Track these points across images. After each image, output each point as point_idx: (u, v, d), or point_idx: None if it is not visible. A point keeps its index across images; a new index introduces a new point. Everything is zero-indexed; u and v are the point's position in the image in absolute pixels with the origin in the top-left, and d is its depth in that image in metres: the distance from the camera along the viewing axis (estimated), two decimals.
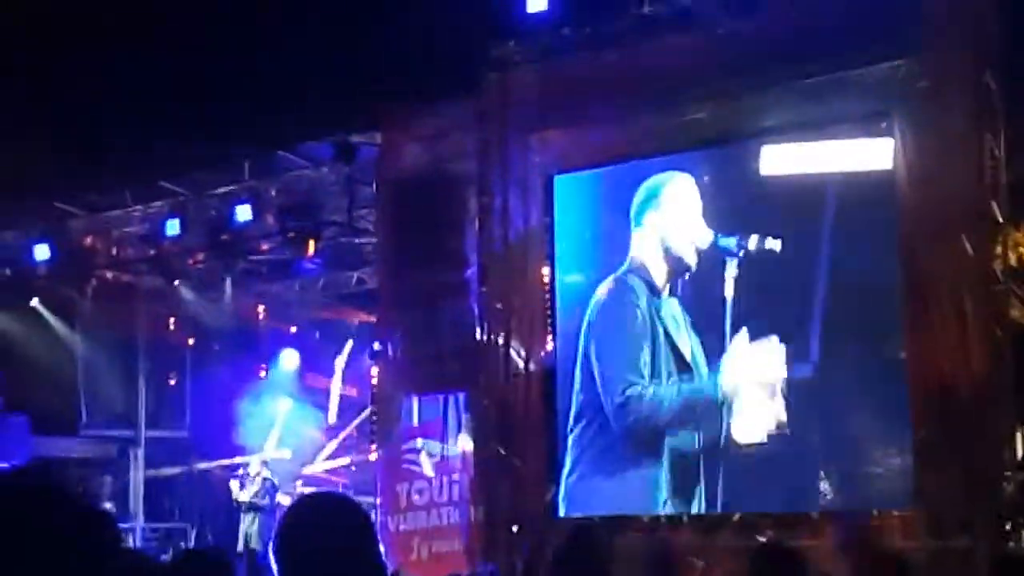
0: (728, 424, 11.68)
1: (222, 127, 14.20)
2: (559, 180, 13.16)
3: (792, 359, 11.44)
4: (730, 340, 11.75)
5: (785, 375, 11.43)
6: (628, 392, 12.20)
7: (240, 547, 16.20)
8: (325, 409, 18.07)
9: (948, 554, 10.10)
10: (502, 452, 12.87)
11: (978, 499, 10.32)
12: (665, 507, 12.01)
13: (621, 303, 12.43)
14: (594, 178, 13.08)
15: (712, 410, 11.76)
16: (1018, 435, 10.48)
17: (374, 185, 14.66)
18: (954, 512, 10.35)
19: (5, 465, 17.01)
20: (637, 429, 12.14)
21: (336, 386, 18.07)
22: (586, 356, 12.59)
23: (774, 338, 11.50)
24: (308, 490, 17.63)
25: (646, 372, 12.18)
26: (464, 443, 13.40)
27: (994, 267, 10.66)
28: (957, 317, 10.61)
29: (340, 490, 14.68)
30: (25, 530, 2.07)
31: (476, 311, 13.20)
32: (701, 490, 11.89)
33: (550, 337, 13.01)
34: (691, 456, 11.91)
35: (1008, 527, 10.23)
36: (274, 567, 3.10)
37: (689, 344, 12.05)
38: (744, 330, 11.67)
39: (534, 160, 13.11)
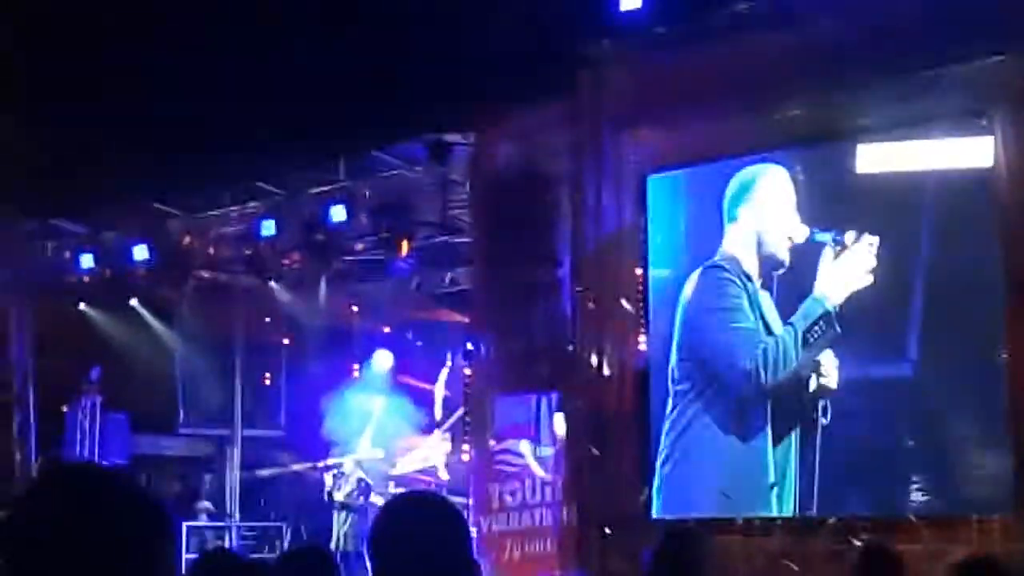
0: (821, 421, 11.55)
1: (317, 128, 14.29)
2: (652, 180, 13.10)
3: (890, 358, 11.28)
4: None
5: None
6: (762, 348, 12.08)
7: (333, 546, 16.30)
8: (419, 409, 18.10)
9: None
10: (595, 452, 12.82)
11: None
12: (772, 492, 11.85)
13: (719, 283, 12.32)
14: (687, 175, 12.99)
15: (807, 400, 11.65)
16: None
17: (467, 185, 14.69)
18: None
19: (105, 463, 17.31)
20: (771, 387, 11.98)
21: (440, 387, 18.09)
22: (687, 347, 12.50)
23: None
24: (401, 490, 17.73)
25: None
26: (557, 443, 13.36)
27: None
28: None
29: (434, 490, 14.67)
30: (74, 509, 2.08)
31: (569, 311, 13.16)
32: (795, 482, 11.73)
33: (643, 336, 12.95)
34: (788, 439, 11.78)
35: None
36: (368, 565, 3.09)
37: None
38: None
39: (628, 159, 13.05)
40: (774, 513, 11.93)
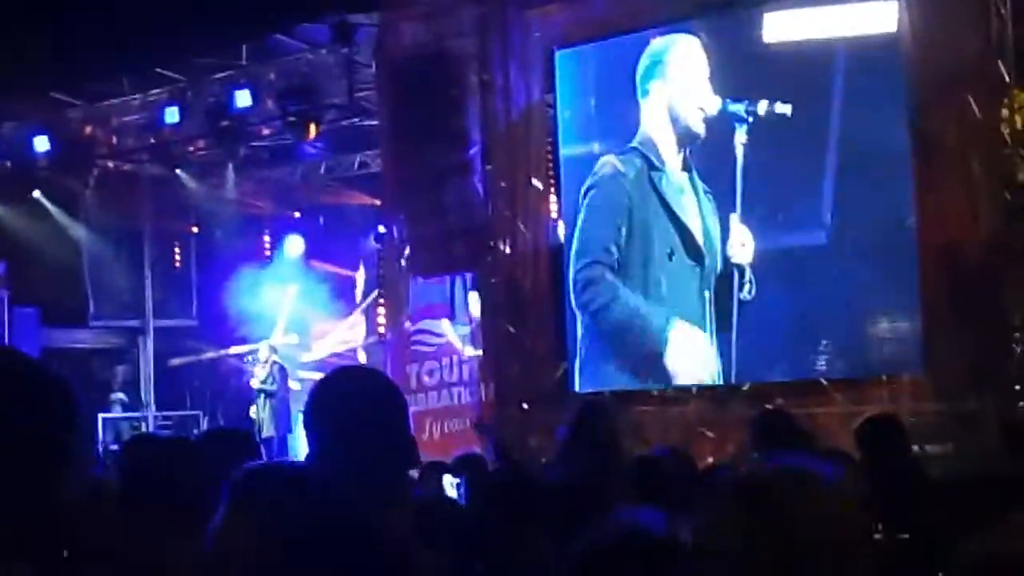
0: (738, 293, 11.69)
1: (217, 11, 13.99)
2: (561, 55, 13.03)
3: (804, 226, 11.39)
4: (741, 207, 11.68)
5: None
6: (586, 272, 12.22)
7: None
8: (332, 293, 18.07)
9: (956, 417, 10.15)
10: (511, 330, 12.90)
11: (987, 362, 10.34)
12: (689, 362, 12.03)
13: (608, 183, 12.39)
14: (596, 50, 12.92)
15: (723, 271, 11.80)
16: None
17: (374, 66, 14.50)
18: (963, 376, 10.38)
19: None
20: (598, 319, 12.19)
21: (350, 270, 18.00)
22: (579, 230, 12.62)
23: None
24: (319, 375, 17.76)
25: (613, 257, 12.17)
26: (474, 322, 13.43)
27: (1002, 130, 10.58)
28: (965, 181, 10.55)
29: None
30: None
31: (481, 190, 13.14)
32: (715, 351, 11.89)
33: (555, 213, 12.99)
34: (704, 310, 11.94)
35: (1017, 388, 10.29)
36: (304, 440, 3.09)
37: (699, 216, 11.98)
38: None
39: (535, 34, 12.96)
40: (691, 383, 12.12)
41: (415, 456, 3.24)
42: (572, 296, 12.57)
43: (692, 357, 12.01)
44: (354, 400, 2.99)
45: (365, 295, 17.53)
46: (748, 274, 11.67)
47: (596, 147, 12.66)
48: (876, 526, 4.96)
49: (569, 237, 12.78)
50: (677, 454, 5.66)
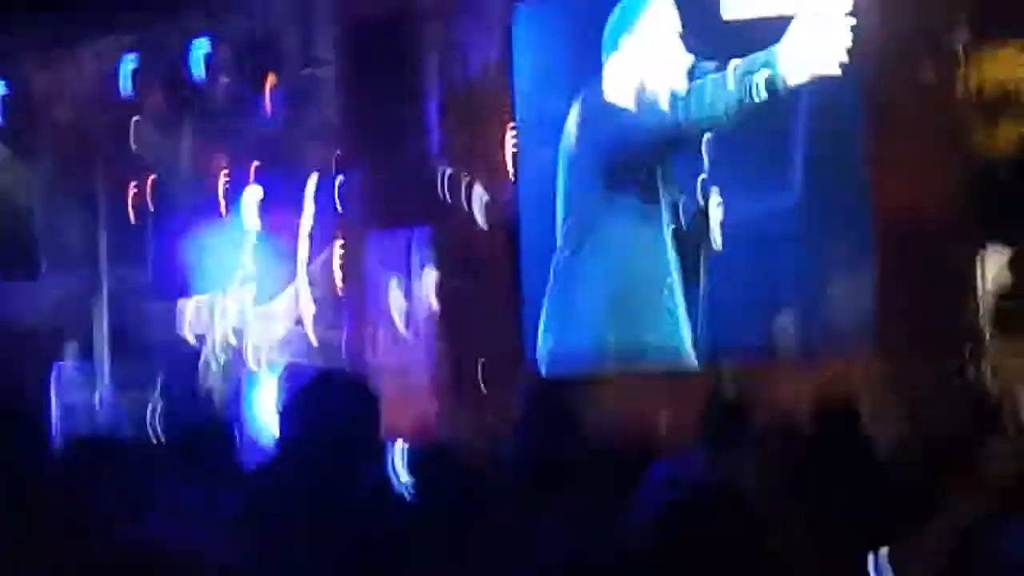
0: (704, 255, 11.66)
1: None
2: (521, 9, 12.89)
3: (773, 187, 11.33)
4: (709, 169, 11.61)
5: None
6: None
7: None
8: (289, 247, 17.93)
9: (909, 388, 10.16)
10: (467, 289, 12.86)
11: (941, 330, 10.38)
12: (654, 326, 11.94)
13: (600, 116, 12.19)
14: (561, 4, 12.78)
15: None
16: (980, 265, 10.53)
17: (331, 18, 14.36)
18: (916, 344, 10.41)
19: None
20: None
21: (305, 223, 17.84)
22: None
23: None
24: (276, 333, 17.67)
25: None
26: (428, 280, 13.35)
27: (956, 92, 10.59)
28: (921, 145, 10.56)
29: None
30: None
31: (438, 146, 13.06)
32: (679, 317, 11.81)
33: (513, 172, 12.90)
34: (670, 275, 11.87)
35: (969, 355, 10.33)
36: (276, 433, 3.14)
37: None
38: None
39: None
40: (654, 345, 12.04)
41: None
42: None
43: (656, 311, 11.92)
44: (324, 410, 3.04)
45: (318, 250, 17.39)
46: (716, 234, 11.59)
47: (561, 103, 12.49)
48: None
49: (529, 195, 12.70)
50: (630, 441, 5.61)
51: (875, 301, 10.79)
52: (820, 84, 11.00)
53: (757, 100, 11.00)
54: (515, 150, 12.96)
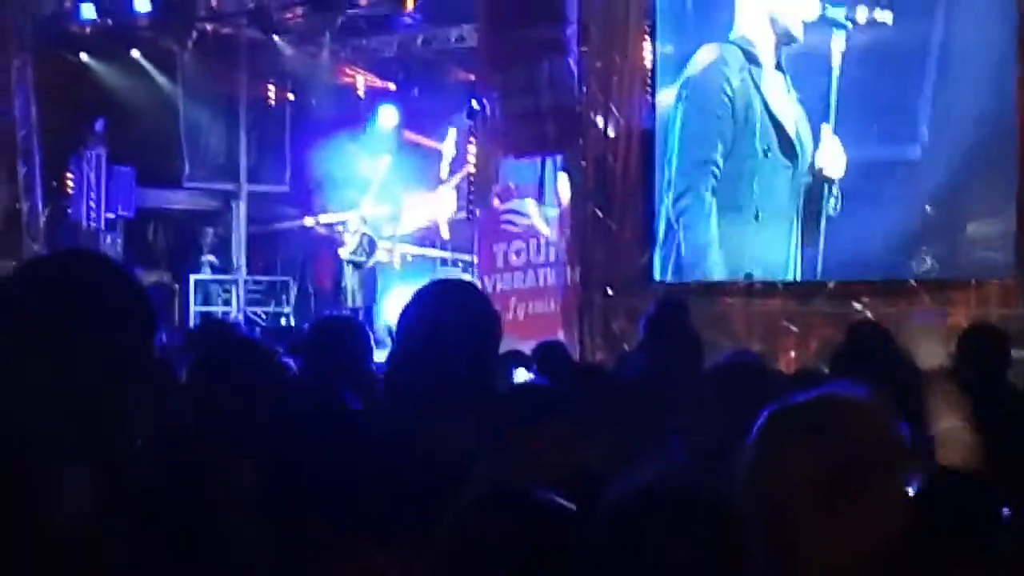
0: (826, 211, 11.59)
1: None
2: None
3: (899, 139, 11.22)
4: (835, 118, 11.51)
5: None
6: (684, 182, 12.22)
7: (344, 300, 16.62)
8: (424, 166, 18.07)
9: None
10: (599, 214, 12.87)
11: None
12: (776, 262, 11.96)
13: (710, 79, 12.21)
14: None
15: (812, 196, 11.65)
16: None
17: None
18: None
19: (112, 215, 17.39)
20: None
21: (448, 145, 17.93)
22: (678, 125, 12.48)
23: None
24: (406, 248, 17.89)
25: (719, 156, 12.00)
26: (562, 204, 13.38)
27: None
28: None
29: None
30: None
31: (576, 71, 13.01)
32: (798, 254, 11.85)
33: (649, 99, 12.85)
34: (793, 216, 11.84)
35: None
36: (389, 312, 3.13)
37: (794, 119, 11.83)
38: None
39: None
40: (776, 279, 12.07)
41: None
42: (668, 203, 12.50)
43: (778, 253, 11.95)
44: (443, 320, 3.01)
45: (453, 171, 17.50)
46: (836, 189, 11.54)
47: (692, 39, 12.50)
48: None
49: (664, 126, 12.67)
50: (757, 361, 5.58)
51: (1015, 240, 10.68)
52: (967, 21, 10.81)
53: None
54: (652, 79, 12.89)
